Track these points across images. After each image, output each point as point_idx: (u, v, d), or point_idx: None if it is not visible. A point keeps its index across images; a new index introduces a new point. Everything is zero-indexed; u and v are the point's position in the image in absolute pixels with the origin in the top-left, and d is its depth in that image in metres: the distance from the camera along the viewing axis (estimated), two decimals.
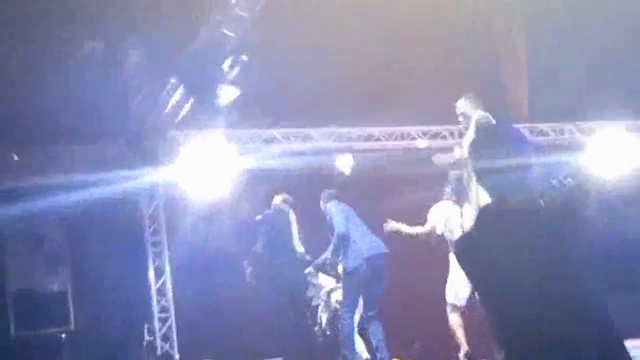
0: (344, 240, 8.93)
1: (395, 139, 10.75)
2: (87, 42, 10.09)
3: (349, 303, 9.01)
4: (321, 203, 9.37)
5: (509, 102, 11.13)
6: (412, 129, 10.86)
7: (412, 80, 10.87)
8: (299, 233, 9.69)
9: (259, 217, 9.87)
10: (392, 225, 9.02)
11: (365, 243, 8.91)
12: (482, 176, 3.19)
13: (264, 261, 9.63)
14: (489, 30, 11.46)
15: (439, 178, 9.03)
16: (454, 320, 8.34)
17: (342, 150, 10.83)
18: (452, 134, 10.61)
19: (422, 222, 8.88)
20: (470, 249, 3.22)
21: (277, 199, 9.89)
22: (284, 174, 10.58)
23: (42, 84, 9.72)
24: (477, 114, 7.18)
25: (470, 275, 3.32)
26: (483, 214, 3.19)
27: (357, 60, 10.86)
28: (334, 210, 9.10)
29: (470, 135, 7.07)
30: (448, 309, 8.41)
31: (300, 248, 9.64)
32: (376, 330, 8.98)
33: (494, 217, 3.10)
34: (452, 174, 8.46)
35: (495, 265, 3.03)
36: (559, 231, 2.98)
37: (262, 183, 10.63)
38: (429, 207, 8.96)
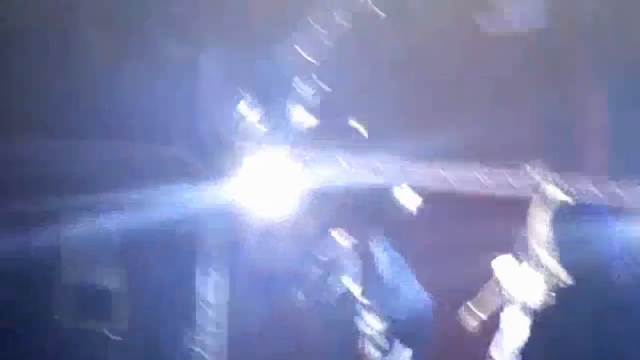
0: (383, 288, 8.89)
1: (463, 180, 10.59)
2: (162, 43, 10.18)
3: None
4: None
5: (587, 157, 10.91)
6: (479, 172, 10.69)
7: (483, 123, 10.73)
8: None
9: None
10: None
11: (408, 292, 8.85)
12: (559, 245, 3.14)
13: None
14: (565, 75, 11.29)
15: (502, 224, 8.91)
16: None
17: (406, 182, 10.73)
18: (518, 182, 10.43)
19: (483, 266, 8.76)
20: (546, 318, 3.19)
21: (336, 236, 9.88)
22: (347, 195, 10.56)
23: (116, 82, 9.83)
24: (552, 191, 7.03)
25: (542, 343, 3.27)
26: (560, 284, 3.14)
27: (430, 91, 10.80)
28: (382, 255, 9.05)
29: (543, 212, 6.96)
30: None
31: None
32: None
33: (570, 293, 3.06)
34: (516, 233, 8.35)
35: (569, 336, 2.99)
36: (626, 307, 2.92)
37: (325, 203, 10.60)
38: (489, 250, 8.83)
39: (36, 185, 9.69)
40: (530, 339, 7.20)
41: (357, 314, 9.85)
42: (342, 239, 9.74)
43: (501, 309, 8.41)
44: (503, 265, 8.42)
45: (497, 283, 8.37)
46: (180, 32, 10.06)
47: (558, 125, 10.92)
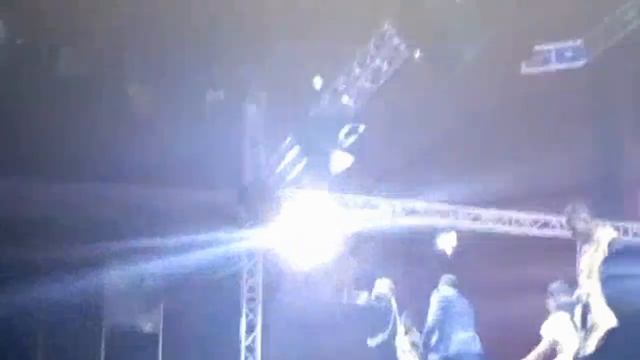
0: (430, 334, 8.79)
1: (503, 223, 10.55)
2: (210, 91, 10.28)
3: None
4: None
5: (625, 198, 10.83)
6: (521, 216, 10.63)
7: (525, 166, 10.67)
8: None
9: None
10: None
11: (457, 339, 8.72)
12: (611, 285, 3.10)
13: None
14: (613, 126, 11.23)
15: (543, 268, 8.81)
16: None
17: (446, 228, 10.70)
18: (562, 225, 10.33)
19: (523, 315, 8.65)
20: None
21: (380, 285, 9.77)
22: (387, 241, 10.53)
23: (162, 129, 9.93)
24: (606, 234, 6.89)
25: None
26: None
27: (469, 132, 10.77)
28: (432, 299, 8.96)
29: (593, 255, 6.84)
30: None
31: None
32: None
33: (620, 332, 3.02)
34: (554, 285, 8.21)
35: None
36: None
37: (363, 249, 10.59)
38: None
39: (80, 230, 9.81)
40: None
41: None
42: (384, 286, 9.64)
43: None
44: (553, 325, 8.29)
45: (548, 343, 8.23)
46: (226, 78, 10.17)
47: (602, 167, 10.88)
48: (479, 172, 10.71)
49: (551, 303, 8.13)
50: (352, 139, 9.42)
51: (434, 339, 8.69)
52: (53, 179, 9.72)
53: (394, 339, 9.42)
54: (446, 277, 9.08)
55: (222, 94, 10.20)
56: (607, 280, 3.18)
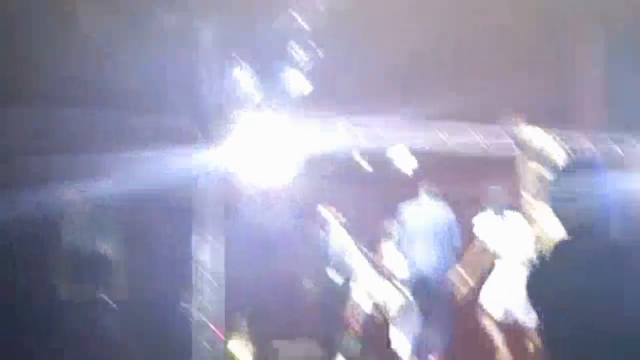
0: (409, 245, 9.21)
1: (452, 134, 10.71)
2: (159, 13, 10.11)
3: None
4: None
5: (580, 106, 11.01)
6: (469, 125, 10.80)
7: (479, 74, 10.80)
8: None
9: None
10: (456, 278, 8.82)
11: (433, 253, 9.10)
12: (556, 198, 3.19)
13: None
14: (565, 34, 11.32)
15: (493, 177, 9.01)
16: (490, 329, 8.31)
17: (400, 141, 10.82)
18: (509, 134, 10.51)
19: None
20: (538, 270, 3.26)
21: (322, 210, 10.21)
22: (343, 160, 10.64)
23: (110, 51, 9.78)
24: (550, 145, 7.08)
25: (534, 296, 3.34)
26: (554, 238, 3.21)
27: (423, 52, 10.82)
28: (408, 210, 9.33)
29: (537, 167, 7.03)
30: (485, 321, 8.36)
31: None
32: None
33: (563, 242, 3.13)
34: (493, 188, 8.43)
35: (560, 289, 3.06)
36: (628, 264, 2.98)
37: (320, 169, 10.67)
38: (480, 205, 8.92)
39: (35, 156, 9.69)
40: (517, 288, 7.31)
41: (351, 278, 10.06)
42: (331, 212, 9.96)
43: (487, 264, 8.52)
44: (486, 222, 8.52)
45: (481, 240, 8.48)
46: (178, 1, 10.01)
47: (552, 81, 11.04)
48: (434, 89, 10.83)
49: (487, 205, 8.39)
50: (305, 58, 9.43)
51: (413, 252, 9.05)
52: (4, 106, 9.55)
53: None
54: (424, 188, 9.28)
55: (175, 18, 10.05)
56: (552, 193, 3.27)
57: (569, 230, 3.14)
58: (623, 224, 3.20)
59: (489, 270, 8.64)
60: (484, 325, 8.37)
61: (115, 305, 10.28)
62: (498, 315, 8.27)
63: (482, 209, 8.62)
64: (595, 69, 11.20)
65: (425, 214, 9.46)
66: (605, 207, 3.10)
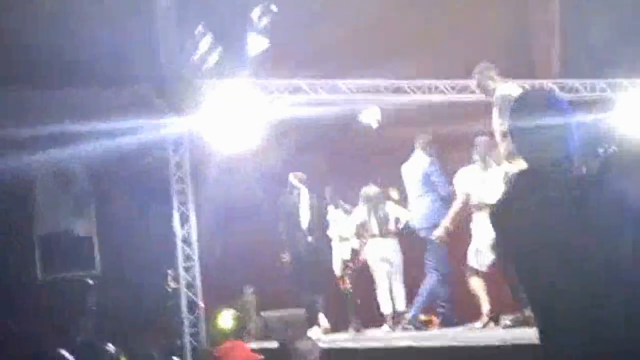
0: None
1: (424, 92, 10.62)
2: None
3: None
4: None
5: (538, 56, 10.98)
6: (440, 82, 10.72)
7: (439, 31, 10.74)
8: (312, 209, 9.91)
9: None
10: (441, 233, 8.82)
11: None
12: (517, 137, 3.14)
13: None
14: None
15: (467, 134, 8.96)
16: (476, 283, 8.32)
17: (369, 101, 10.75)
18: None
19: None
20: (504, 209, 3.21)
21: (292, 178, 10.17)
22: (311, 124, 10.56)
23: (67, 25, 9.68)
24: (512, 90, 7.06)
25: (502, 235, 3.29)
26: (519, 174, 3.16)
27: (386, 11, 10.75)
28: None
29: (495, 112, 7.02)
30: (469, 272, 8.39)
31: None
32: None
33: (529, 177, 3.08)
34: (479, 139, 8.40)
35: (526, 225, 3.02)
36: (593, 197, 2.93)
37: (288, 133, 10.62)
38: (455, 163, 8.90)
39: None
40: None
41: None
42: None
43: (469, 217, 8.51)
44: (467, 174, 8.48)
45: (461, 195, 8.45)
46: None
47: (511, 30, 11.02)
48: (399, 49, 10.78)
49: (474, 156, 8.37)
50: (265, 20, 9.33)
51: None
52: None
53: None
54: (421, 139, 9.28)
55: None
56: (515, 133, 3.21)
57: (533, 167, 3.08)
58: (587, 157, 3.14)
59: (469, 222, 8.60)
60: (470, 278, 8.37)
61: (93, 281, 10.23)
62: (483, 268, 8.28)
63: (472, 160, 8.56)
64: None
65: (409, 168, 9.46)
66: (568, 139, 3.05)
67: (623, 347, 2.81)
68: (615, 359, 2.84)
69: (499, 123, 7.20)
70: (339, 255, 10.35)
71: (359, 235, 9.93)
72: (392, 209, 9.83)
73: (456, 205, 8.50)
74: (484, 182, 8.16)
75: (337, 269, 10.34)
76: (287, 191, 10.50)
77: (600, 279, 2.86)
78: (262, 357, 8.13)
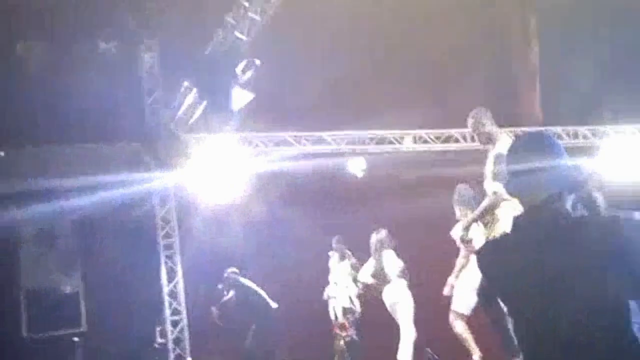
0: None
1: (408, 142, 10.71)
2: (101, 43, 10.12)
3: None
4: None
5: (522, 106, 11.11)
6: (425, 132, 10.81)
7: (425, 82, 10.86)
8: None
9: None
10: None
11: None
12: (514, 177, 3.16)
13: None
14: (499, 34, 11.44)
15: (452, 181, 9.00)
16: (461, 327, 8.24)
17: (355, 153, 10.82)
18: (464, 137, 10.57)
19: (436, 225, 8.82)
20: (494, 251, 3.22)
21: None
22: (296, 176, 10.60)
23: (56, 84, 9.75)
24: (505, 139, 7.09)
25: (490, 277, 3.30)
26: (517, 218, 3.18)
27: (369, 63, 10.88)
28: None
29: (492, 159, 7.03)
30: (452, 317, 8.30)
31: None
32: None
33: (522, 216, 3.09)
34: (461, 187, 8.39)
35: (514, 263, 3.03)
36: (583, 240, 2.95)
37: (273, 186, 10.65)
38: (443, 209, 8.89)
39: None
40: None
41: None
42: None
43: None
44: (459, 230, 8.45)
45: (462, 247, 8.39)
46: (115, 29, 10.03)
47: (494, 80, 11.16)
48: (384, 100, 10.88)
49: (456, 208, 8.31)
50: (249, 74, 9.41)
51: None
52: None
53: None
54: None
55: (114, 46, 10.06)
56: (510, 177, 3.25)
57: (525, 207, 3.11)
58: (577, 197, 3.17)
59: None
60: (454, 322, 8.28)
61: (78, 339, 10.12)
62: (468, 312, 8.19)
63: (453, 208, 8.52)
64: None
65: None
66: (559, 180, 3.08)
67: None
68: None
69: (492, 166, 7.19)
70: (339, 303, 10.21)
71: (379, 280, 9.73)
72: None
73: (461, 259, 8.40)
74: (482, 215, 8.05)
75: (339, 314, 10.17)
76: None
77: (587, 319, 2.86)
78: None
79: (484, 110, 7.62)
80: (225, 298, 10.26)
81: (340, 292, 10.37)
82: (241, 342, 10.11)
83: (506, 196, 7.30)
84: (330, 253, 10.43)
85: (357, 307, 10.24)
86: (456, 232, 8.18)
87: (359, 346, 10.05)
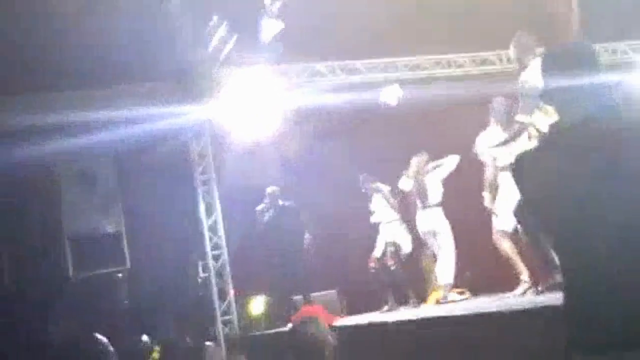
0: None
1: (443, 67, 10.55)
2: None
3: None
4: None
5: (557, 23, 10.79)
6: (459, 56, 10.63)
7: (455, 6, 10.60)
8: None
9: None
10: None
11: None
12: (552, 95, 3.06)
13: None
14: None
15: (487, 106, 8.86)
16: (508, 246, 8.13)
17: (388, 81, 10.68)
18: (500, 59, 10.38)
19: (470, 151, 8.72)
20: (530, 163, 3.14)
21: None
22: (330, 109, 10.51)
23: (88, 26, 9.72)
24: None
25: (526, 191, 3.22)
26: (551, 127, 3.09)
27: None
28: None
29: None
30: (496, 236, 8.19)
31: None
32: None
33: (559, 136, 3.01)
34: (496, 100, 8.23)
35: (552, 177, 2.95)
36: (618, 156, 2.86)
37: (308, 119, 10.58)
38: (477, 134, 8.78)
39: (28, 141, 9.64)
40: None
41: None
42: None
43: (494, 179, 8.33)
44: (487, 140, 8.32)
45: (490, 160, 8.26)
46: None
47: None
48: (415, 26, 10.66)
49: (491, 118, 8.18)
50: (278, 3, 9.30)
51: None
52: None
53: None
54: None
55: None
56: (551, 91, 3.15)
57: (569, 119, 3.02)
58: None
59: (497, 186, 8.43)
60: (500, 242, 8.18)
61: (122, 275, 10.29)
62: (508, 227, 8.08)
63: (487, 123, 8.38)
64: None
65: None
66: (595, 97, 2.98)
67: None
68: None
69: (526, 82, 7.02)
70: (382, 237, 10.15)
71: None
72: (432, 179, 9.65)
73: (489, 173, 8.27)
74: (507, 142, 7.92)
75: (379, 250, 10.14)
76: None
77: (625, 236, 2.78)
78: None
79: (525, 34, 7.41)
80: (265, 218, 10.19)
81: (385, 229, 10.22)
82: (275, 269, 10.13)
83: (531, 128, 7.24)
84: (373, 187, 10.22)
85: (402, 241, 10.11)
86: (481, 146, 8.11)
87: (396, 274, 9.97)
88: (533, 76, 6.82)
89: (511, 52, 7.29)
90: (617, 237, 2.77)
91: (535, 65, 6.92)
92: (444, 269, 9.27)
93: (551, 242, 3.08)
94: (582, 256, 2.87)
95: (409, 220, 9.77)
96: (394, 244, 9.84)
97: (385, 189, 9.95)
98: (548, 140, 3.11)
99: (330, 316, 9.01)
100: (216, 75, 10.04)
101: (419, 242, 9.83)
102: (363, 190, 9.99)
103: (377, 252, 9.91)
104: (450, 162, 9.47)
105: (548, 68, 3.09)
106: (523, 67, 7.19)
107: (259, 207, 10.15)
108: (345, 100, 10.41)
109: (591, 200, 2.82)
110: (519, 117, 6.96)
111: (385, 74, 10.60)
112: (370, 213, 10.00)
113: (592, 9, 10.39)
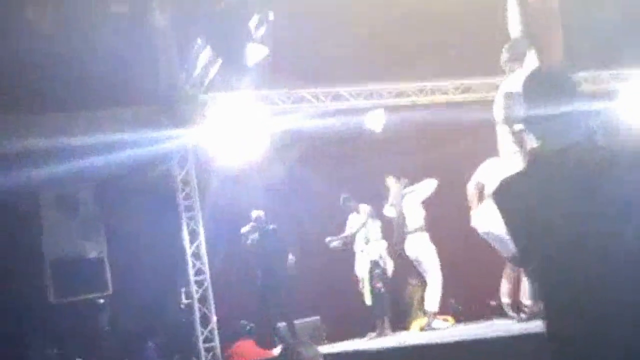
0: None
1: (426, 94, 10.59)
2: (113, 5, 10.03)
3: None
4: None
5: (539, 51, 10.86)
6: (443, 84, 10.68)
7: (440, 33, 10.66)
8: None
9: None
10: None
11: None
12: (532, 122, 3.07)
13: None
14: None
15: (470, 132, 8.91)
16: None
17: (373, 107, 10.70)
18: (484, 86, 10.42)
19: (454, 176, 8.72)
20: (509, 191, 3.13)
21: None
22: (314, 135, 10.50)
23: (71, 49, 9.69)
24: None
25: (505, 217, 3.21)
26: (531, 157, 3.10)
27: (386, 16, 10.70)
28: None
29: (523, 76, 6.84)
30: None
31: None
32: None
33: (539, 162, 3.01)
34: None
35: (532, 210, 2.95)
36: (597, 183, 2.87)
37: (292, 145, 10.58)
38: (460, 160, 8.79)
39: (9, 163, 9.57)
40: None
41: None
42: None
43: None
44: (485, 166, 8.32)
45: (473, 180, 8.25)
46: None
47: None
48: (400, 53, 10.72)
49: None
50: (263, 29, 9.30)
51: None
52: None
53: None
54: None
55: (126, 6, 9.98)
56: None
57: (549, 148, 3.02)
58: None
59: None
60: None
61: (104, 301, 10.21)
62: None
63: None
64: None
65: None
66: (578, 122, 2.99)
67: (629, 332, 2.73)
68: (620, 345, 2.75)
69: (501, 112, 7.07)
70: (366, 257, 10.10)
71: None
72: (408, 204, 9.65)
73: (469, 189, 8.26)
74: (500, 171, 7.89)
75: (364, 271, 10.08)
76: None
77: (604, 263, 2.78)
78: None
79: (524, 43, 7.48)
80: (249, 241, 10.22)
81: (370, 248, 10.19)
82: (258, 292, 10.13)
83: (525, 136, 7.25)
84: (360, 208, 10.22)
85: (387, 263, 10.09)
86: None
87: (385, 298, 9.93)
88: (514, 86, 6.90)
89: (502, 55, 7.36)
90: (596, 263, 2.77)
91: (519, 74, 7.00)
92: (429, 295, 9.25)
93: (529, 270, 3.06)
94: (561, 284, 2.87)
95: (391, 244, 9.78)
96: (379, 265, 9.85)
97: (367, 208, 10.01)
98: (527, 167, 3.11)
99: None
100: (201, 100, 10.02)
101: (403, 268, 9.83)
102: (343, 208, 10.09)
103: (361, 272, 9.93)
104: (426, 186, 9.49)
105: (529, 92, 3.09)
106: (510, 71, 7.27)
107: (244, 229, 10.17)
108: (330, 125, 10.43)
109: (569, 227, 2.83)
110: (517, 127, 6.99)
111: (369, 101, 10.62)
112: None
113: (575, 38, 10.46)
